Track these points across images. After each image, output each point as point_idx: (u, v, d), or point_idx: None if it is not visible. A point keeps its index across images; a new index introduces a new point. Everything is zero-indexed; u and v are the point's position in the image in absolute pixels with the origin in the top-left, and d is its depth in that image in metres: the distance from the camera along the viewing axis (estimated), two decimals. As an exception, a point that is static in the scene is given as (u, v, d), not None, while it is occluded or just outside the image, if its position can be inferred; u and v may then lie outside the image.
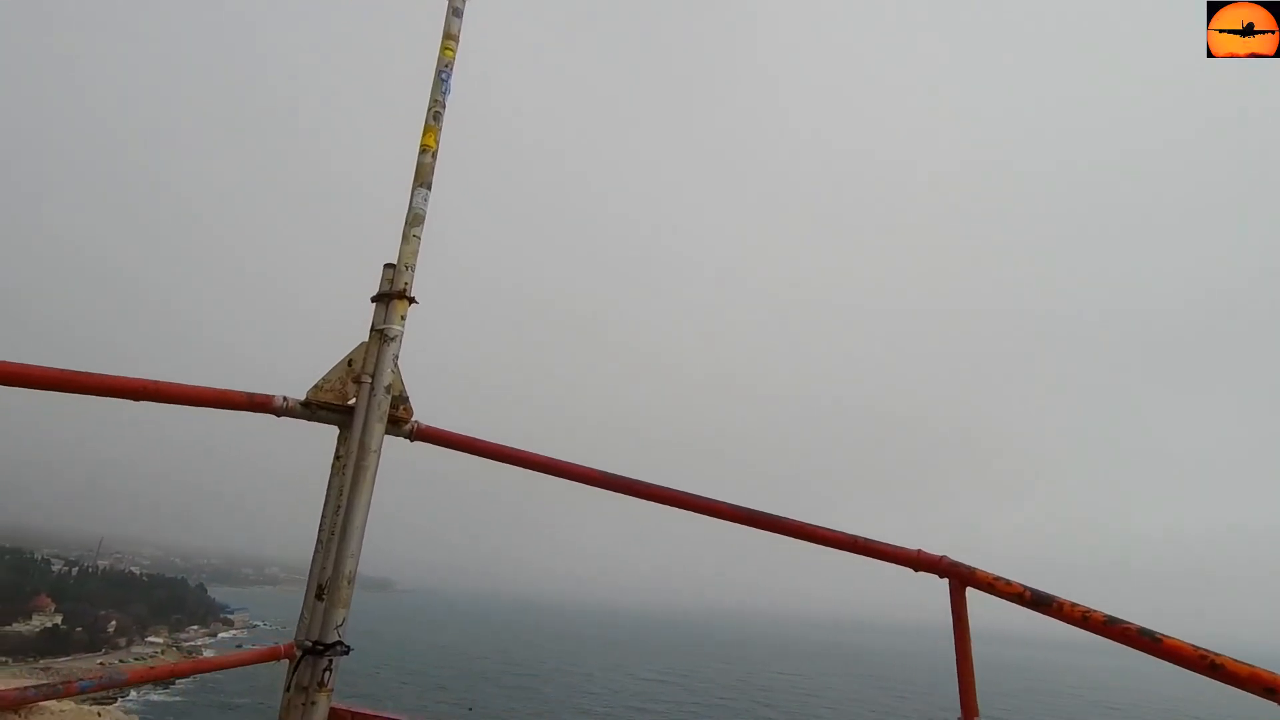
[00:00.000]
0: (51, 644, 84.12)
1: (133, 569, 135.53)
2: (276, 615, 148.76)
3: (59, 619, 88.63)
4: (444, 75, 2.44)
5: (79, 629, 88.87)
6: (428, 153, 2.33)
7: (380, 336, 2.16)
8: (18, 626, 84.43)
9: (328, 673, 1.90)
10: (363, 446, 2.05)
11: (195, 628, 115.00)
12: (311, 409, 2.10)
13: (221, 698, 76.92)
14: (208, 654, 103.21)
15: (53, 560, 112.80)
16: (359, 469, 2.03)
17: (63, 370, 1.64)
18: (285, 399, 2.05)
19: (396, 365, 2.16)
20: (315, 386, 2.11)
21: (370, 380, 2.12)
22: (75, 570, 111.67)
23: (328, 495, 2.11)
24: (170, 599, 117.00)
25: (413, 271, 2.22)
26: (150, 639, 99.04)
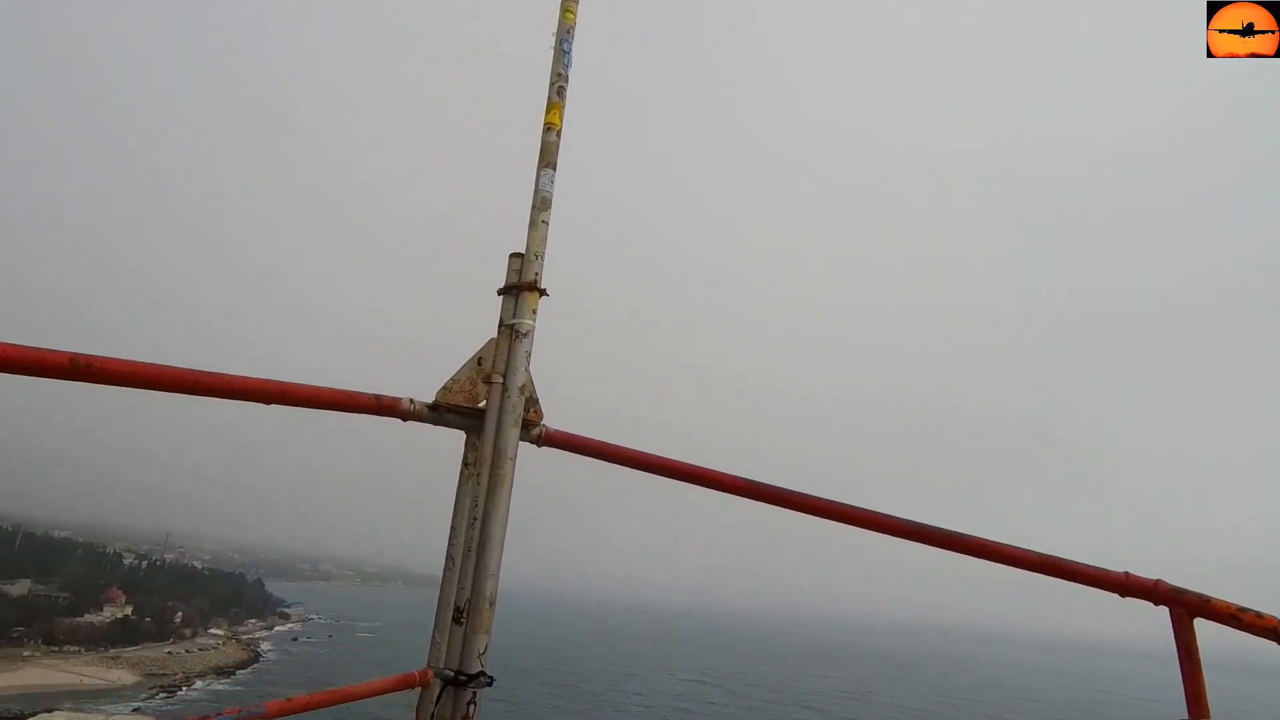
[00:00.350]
0: (122, 633, 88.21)
1: (195, 563, 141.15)
2: (330, 610, 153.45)
3: (129, 610, 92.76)
4: (565, 46, 2.24)
5: (148, 619, 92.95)
6: (552, 131, 2.13)
7: (510, 332, 1.97)
8: (90, 617, 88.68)
9: (472, 706, 1.71)
10: (498, 453, 1.86)
11: (254, 621, 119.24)
12: (440, 412, 1.92)
13: (277, 689, 79.47)
14: (265, 646, 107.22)
15: (124, 554, 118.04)
16: (495, 478, 1.84)
17: (192, 371, 1.49)
18: (412, 401, 1.88)
19: (528, 364, 1.96)
20: (444, 388, 1.93)
21: (502, 380, 1.93)
22: (144, 564, 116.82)
23: (458, 507, 1.93)
24: (230, 593, 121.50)
25: (542, 261, 2.03)
26: (212, 630, 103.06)
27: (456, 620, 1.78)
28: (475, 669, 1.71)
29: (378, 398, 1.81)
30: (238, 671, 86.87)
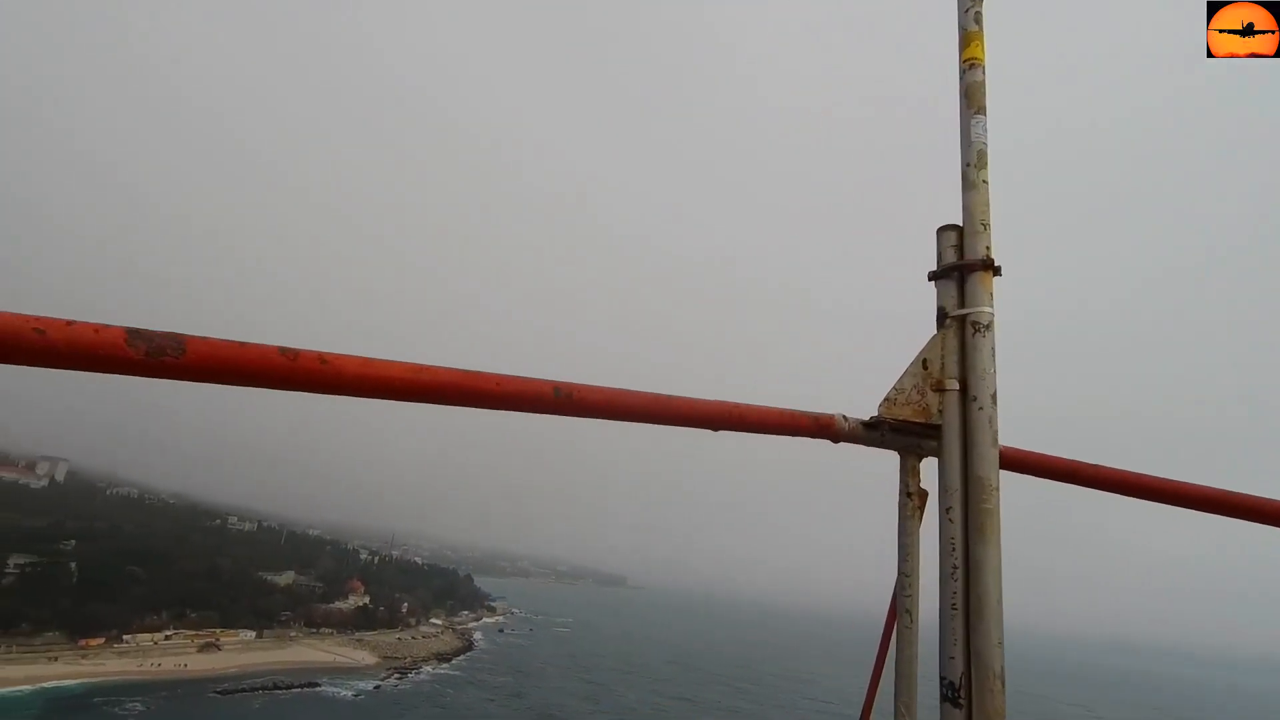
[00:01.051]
0: (362, 620, 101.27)
1: (416, 559, 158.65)
2: (529, 605, 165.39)
3: (367, 599, 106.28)
4: (972, -37, 1.77)
5: (381, 608, 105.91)
6: (976, 68, 1.68)
7: (961, 325, 1.54)
8: (338, 604, 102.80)
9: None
10: (976, 483, 1.44)
11: (466, 612, 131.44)
12: (880, 430, 1.54)
13: (486, 676, 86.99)
14: (477, 636, 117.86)
15: (361, 550, 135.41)
16: (978, 515, 1.42)
17: (660, 396, 1.32)
18: (845, 418, 1.51)
19: (995, 364, 1.52)
20: (887, 399, 1.54)
21: (958, 386, 1.51)
22: (376, 559, 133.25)
23: (906, 550, 1.53)
24: (445, 587, 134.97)
25: (990, 232, 1.58)
26: (433, 620, 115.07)
27: (951, 701, 1.37)
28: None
29: (815, 417, 1.47)
30: (455, 658, 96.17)
